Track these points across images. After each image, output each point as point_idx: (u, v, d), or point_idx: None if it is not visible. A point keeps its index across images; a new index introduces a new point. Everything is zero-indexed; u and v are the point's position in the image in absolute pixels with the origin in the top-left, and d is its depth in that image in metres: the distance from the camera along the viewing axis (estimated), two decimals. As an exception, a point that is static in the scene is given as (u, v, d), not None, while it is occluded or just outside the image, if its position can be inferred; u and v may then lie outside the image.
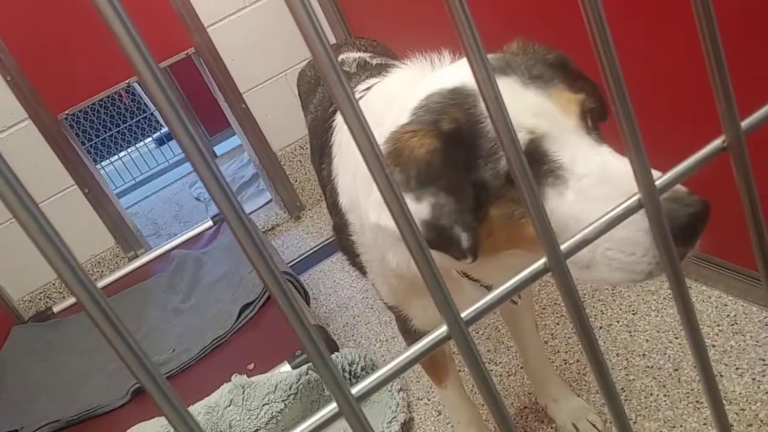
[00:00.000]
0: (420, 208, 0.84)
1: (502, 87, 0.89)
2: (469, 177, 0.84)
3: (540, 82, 0.87)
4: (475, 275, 1.04)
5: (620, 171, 0.78)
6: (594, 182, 0.79)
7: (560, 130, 0.83)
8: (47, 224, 0.30)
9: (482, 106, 0.84)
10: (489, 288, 1.06)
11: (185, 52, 2.97)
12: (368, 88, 1.23)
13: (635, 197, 0.40)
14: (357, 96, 1.22)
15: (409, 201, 0.85)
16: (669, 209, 0.72)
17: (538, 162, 0.82)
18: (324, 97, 1.55)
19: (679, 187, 0.75)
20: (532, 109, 0.83)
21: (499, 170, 0.83)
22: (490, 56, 0.95)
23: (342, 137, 1.23)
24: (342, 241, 1.25)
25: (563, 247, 0.38)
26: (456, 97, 0.89)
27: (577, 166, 0.81)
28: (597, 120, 0.88)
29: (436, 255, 0.97)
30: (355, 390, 0.36)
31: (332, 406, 0.36)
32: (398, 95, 1.04)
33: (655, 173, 0.77)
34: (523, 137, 0.82)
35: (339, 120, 1.26)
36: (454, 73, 0.94)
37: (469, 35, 0.34)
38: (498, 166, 0.83)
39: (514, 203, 0.84)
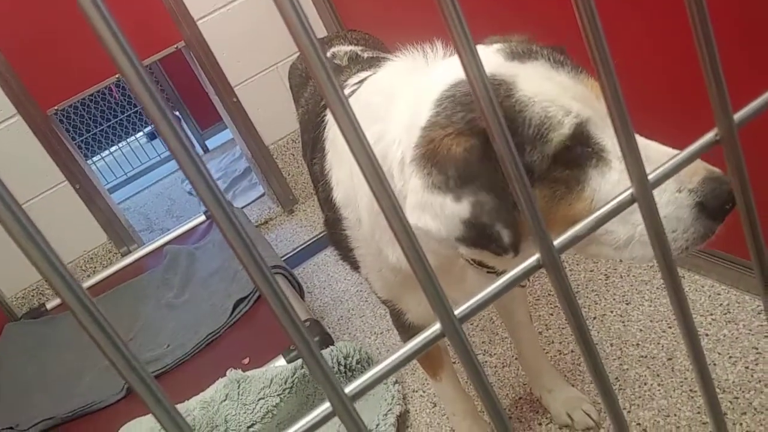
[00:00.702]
0: (460, 208, 0.83)
1: (534, 72, 0.90)
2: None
3: (568, 68, 0.88)
4: (493, 263, 1.03)
5: (659, 151, 0.81)
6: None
7: (600, 115, 0.84)
8: (31, 225, 0.29)
9: (521, 93, 0.85)
10: (498, 274, 1.05)
11: (175, 45, 2.95)
12: (360, 81, 1.22)
13: (628, 191, 0.39)
14: (349, 90, 1.21)
15: (449, 201, 0.84)
16: (712, 188, 0.78)
17: (582, 144, 0.83)
18: (315, 90, 1.54)
19: (713, 168, 0.79)
20: (571, 93, 0.84)
21: (547, 153, 0.83)
22: (511, 43, 0.94)
23: (335, 132, 1.22)
24: (334, 235, 1.25)
25: (556, 243, 0.38)
26: None
27: (619, 152, 0.82)
28: None
29: (440, 245, 0.97)
30: (348, 389, 0.36)
31: (326, 406, 0.36)
32: (393, 88, 1.03)
33: (673, 151, 0.78)
34: (570, 121, 0.82)
35: (331, 114, 1.25)
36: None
37: (459, 29, 0.33)
38: (546, 149, 0.82)
39: (555, 183, 0.85)
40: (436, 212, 0.86)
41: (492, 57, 0.92)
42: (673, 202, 0.79)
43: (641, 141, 0.81)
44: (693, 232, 0.79)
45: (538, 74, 0.87)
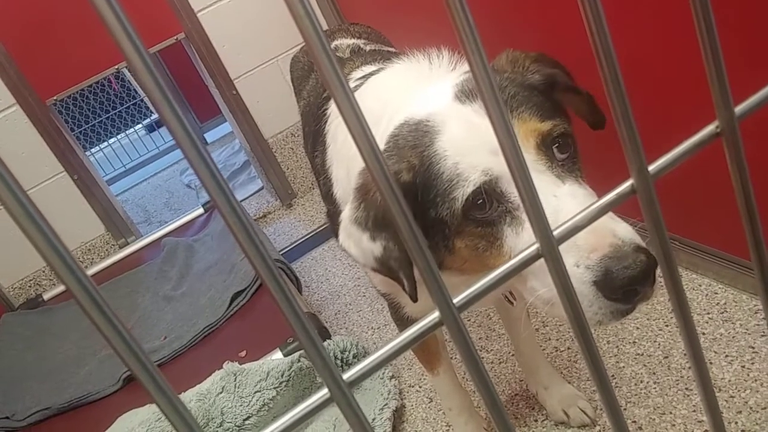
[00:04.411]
0: (374, 247, 0.91)
1: (464, 118, 0.90)
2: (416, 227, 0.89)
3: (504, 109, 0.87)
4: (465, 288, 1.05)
5: (570, 213, 0.78)
6: None
7: None
8: (36, 212, 0.29)
9: (438, 144, 0.87)
10: None
11: (175, 37, 2.94)
12: (364, 77, 1.23)
13: (628, 183, 0.39)
14: (353, 83, 1.22)
15: (366, 238, 0.92)
16: (607, 270, 0.72)
17: (496, 201, 0.84)
18: (317, 83, 1.54)
19: (619, 241, 0.74)
20: (488, 146, 0.83)
21: (455, 209, 0.85)
22: (460, 78, 0.94)
23: (335, 126, 1.23)
24: (336, 228, 1.26)
25: (556, 233, 0.38)
26: (416, 135, 0.90)
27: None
28: (570, 146, 0.88)
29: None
30: (346, 376, 0.36)
31: (324, 392, 0.36)
32: (389, 97, 1.05)
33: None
34: (477, 178, 0.83)
35: (333, 108, 1.25)
36: (430, 98, 0.95)
37: (472, 43, 0.33)
38: (454, 206, 0.84)
39: (475, 237, 0.87)
40: (356, 242, 0.94)
41: (442, 94, 0.93)
42: (572, 275, 0.75)
43: (566, 206, 0.79)
44: (600, 308, 0.75)
45: (465, 121, 0.88)
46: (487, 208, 0.84)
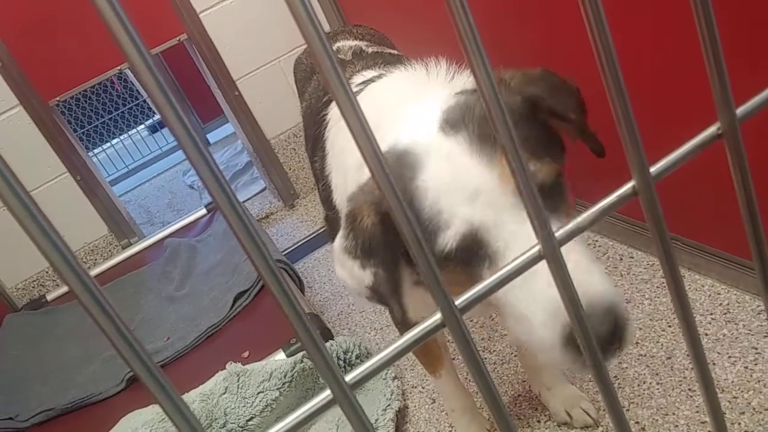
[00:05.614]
0: (364, 275, 0.91)
1: (446, 153, 0.87)
2: (399, 257, 0.91)
3: (487, 145, 0.83)
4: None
5: (545, 271, 0.77)
6: (522, 277, 0.78)
7: (497, 213, 0.80)
8: (39, 212, 0.29)
9: (422, 177, 0.85)
10: None
11: (177, 38, 2.95)
12: (364, 83, 1.22)
13: (629, 185, 0.39)
14: (353, 89, 1.22)
15: (356, 266, 0.91)
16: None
17: (476, 245, 0.82)
18: (318, 85, 1.54)
19: (599, 300, 0.72)
20: (468, 190, 0.81)
21: (437, 251, 0.83)
22: (449, 104, 0.91)
23: (334, 133, 1.23)
24: (335, 233, 1.26)
25: (558, 234, 0.38)
26: (398, 166, 0.88)
27: (510, 256, 0.80)
28: (557, 186, 0.85)
29: None
30: (348, 377, 0.36)
31: (326, 394, 0.36)
32: (383, 109, 1.04)
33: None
34: (457, 230, 0.81)
35: (331, 114, 1.26)
36: (417, 121, 0.92)
37: (474, 47, 0.34)
38: (435, 246, 0.83)
39: (454, 274, 0.86)
40: (349, 272, 0.94)
41: (429, 121, 0.90)
42: (541, 325, 0.77)
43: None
44: (568, 361, 0.76)
45: (446, 158, 0.85)
46: (465, 252, 0.83)
